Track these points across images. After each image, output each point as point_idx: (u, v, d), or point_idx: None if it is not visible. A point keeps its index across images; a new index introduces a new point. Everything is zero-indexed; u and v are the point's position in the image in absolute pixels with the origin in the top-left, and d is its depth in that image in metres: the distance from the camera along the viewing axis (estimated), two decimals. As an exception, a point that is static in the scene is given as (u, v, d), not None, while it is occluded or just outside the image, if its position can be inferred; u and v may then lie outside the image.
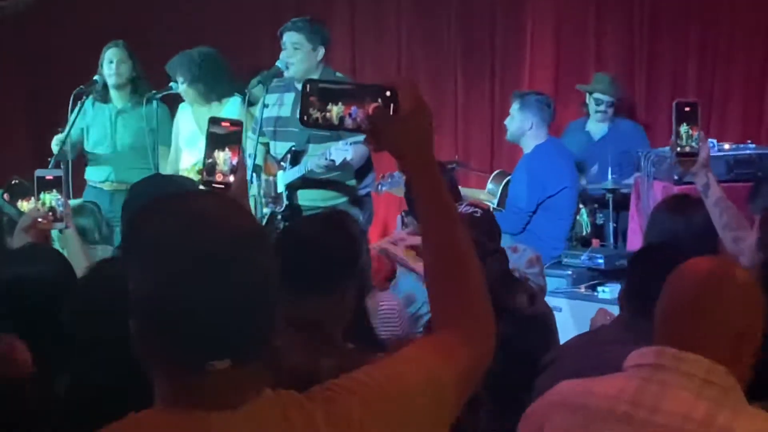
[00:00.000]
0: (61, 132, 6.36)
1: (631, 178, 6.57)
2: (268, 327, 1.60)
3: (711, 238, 3.68)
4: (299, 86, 5.83)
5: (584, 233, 6.84)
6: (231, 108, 6.35)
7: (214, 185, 2.85)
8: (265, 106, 5.85)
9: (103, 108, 6.67)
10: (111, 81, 6.56)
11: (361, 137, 5.42)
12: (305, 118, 1.82)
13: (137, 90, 6.59)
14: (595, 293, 5.83)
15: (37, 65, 8.58)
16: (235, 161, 2.82)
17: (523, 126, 6.57)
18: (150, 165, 6.40)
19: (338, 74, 6.08)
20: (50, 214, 3.65)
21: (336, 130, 1.86)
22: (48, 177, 3.69)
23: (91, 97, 6.55)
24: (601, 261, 6.03)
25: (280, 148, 5.81)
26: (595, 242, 6.86)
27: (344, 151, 5.41)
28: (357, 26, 8.45)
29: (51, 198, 3.66)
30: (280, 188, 5.80)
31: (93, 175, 6.66)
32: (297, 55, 5.76)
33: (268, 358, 1.61)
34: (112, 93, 6.64)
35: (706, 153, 3.73)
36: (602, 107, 7.19)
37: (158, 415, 1.58)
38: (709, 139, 6.14)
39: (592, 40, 7.96)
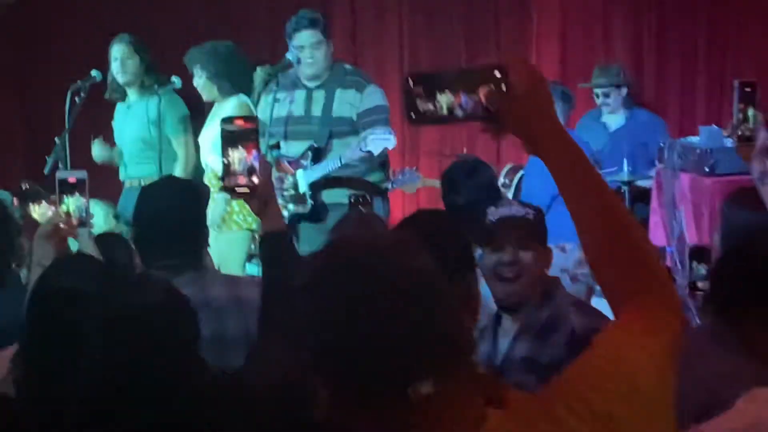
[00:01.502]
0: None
1: (651, 170, 6.37)
2: (461, 336, 1.51)
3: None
4: (309, 84, 5.61)
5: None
6: (231, 106, 6.12)
7: (237, 189, 2.69)
8: (276, 100, 5.59)
9: (121, 105, 6.55)
10: (119, 79, 6.40)
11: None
12: (412, 114, 1.65)
13: (146, 83, 6.38)
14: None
15: (31, 64, 8.33)
16: (251, 160, 2.65)
17: None
18: (156, 158, 6.19)
19: (347, 66, 5.85)
20: (73, 219, 3.41)
21: (445, 123, 1.68)
22: (70, 179, 3.42)
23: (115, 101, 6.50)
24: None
25: (293, 148, 5.55)
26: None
27: (383, 140, 5.17)
28: (358, 19, 8.22)
29: (74, 202, 3.41)
30: (303, 188, 5.53)
31: (120, 174, 6.56)
32: (319, 52, 5.54)
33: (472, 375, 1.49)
34: (127, 90, 6.49)
35: (764, 137, 3.53)
36: (600, 99, 7.01)
37: None
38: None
39: (599, 29, 7.81)
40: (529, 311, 3.25)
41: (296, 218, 5.52)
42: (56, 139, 6.07)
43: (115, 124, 6.58)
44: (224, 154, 2.69)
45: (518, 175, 6.75)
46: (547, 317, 3.23)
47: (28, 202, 3.85)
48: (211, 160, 6.13)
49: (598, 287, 5.40)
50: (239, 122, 2.73)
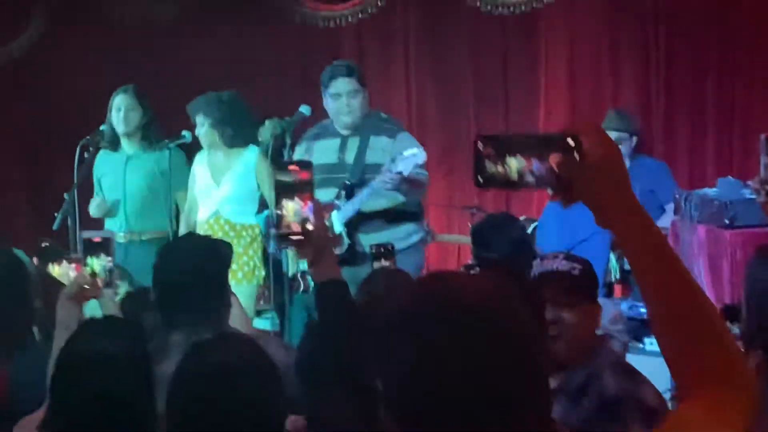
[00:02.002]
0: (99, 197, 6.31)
1: (665, 220, 6.29)
2: (547, 401, 1.51)
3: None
4: (344, 132, 5.55)
5: (612, 279, 6.56)
6: (250, 157, 6.06)
7: (290, 237, 2.61)
8: (307, 152, 5.54)
9: (114, 156, 6.38)
10: (119, 129, 6.27)
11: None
12: (480, 178, 1.59)
13: (147, 136, 6.30)
14: (641, 345, 5.53)
15: (36, 118, 8.29)
16: (306, 211, 2.57)
17: None
18: (164, 211, 6.11)
19: (383, 114, 5.80)
20: (98, 280, 3.33)
21: (514, 188, 1.62)
22: (95, 239, 3.37)
23: (101, 149, 6.31)
24: (644, 310, 5.74)
25: (326, 195, 5.41)
26: (618, 288, 6.59)
27: (411, 156, 5.08)
28: (366, 69, 8.14)
29: (99, 263, 3.34)
30: (338, 228, 5.42)
31: (108, 226, 6.31)
32: (356, 100, 5.52)
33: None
34: (122, 140, 6.35)
35: None
36: None
37: None
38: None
39: (608, 79, 7.77)
40: (569, 372, 3.09)
41: None
42: (65, 195, 5.99)
43: (106, 175, 6.40)
44: (278, 205, 2.61)
45: (531, 227, 6.68)
46: (584, 378, 3.08)
47: (48, 261, 3.76)
48: (228, 210, 6.07)
49: (632, 343, 5.34)
50: (294, 170, 2.63)
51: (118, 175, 6.33)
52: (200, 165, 6.19)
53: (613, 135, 6.68)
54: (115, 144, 6.35)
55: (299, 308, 6.62)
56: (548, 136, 1.60)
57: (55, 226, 5.84)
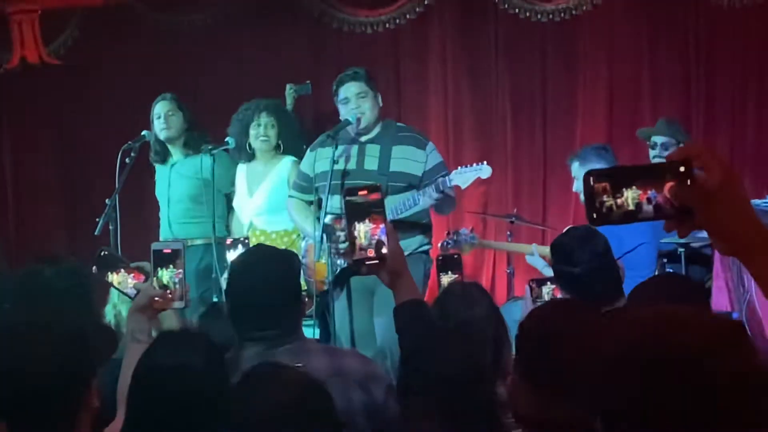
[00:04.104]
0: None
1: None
2: None
3: None
4: (360, 138, 5.49)
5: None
6: (285, 164, 6.03)
7: (366, 262, 2.59)
8: (335, 162, 5.46)
9: (164, 167, 6.43)
10: (162, 135, 6.27)
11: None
12: (594, 215, 1.57)
13: (189, 142, 6.27)
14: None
15: (71, 123, 8.28)
16: (379, 233, 2.55)
17: None
18: (208, 218, 6.00)
19: (399, 124, 5.74)
20: (168, 292, 3.27)
21: (632, 220, 1.57)
22: (165, 250, 3.29)
23: (153, 164, 6.40)
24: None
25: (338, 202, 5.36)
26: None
27: (474, 171, 5.02)
28: (402, 76, 8.09)
29: (169, 275, 3.27)
30: None
31: (161, 234, 6.38)
32: (366, 103, 5.48)
33: None
34: (170, 148, 6.33)
35: None
36: (657, 150, 6.73)
37: None
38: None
39: (647, 86, 7.69)
40: None
41: (347, 272, 5.35)
42: (107, 200, 5.94)
43: (158, 185, 6.48)
44: (350, 228, 2.60)
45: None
46: None
47: (107, 269, 3.69)
48: (261, 221, 6.04)
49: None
50: (364, 194, 2.63)
51: (164, 182, 6.36)
52: (240, 175, 6.17)
53: (660, 141, 6.65)
54: (163, 155, 6.33)
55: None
56: (660, 164, 1.56)
57: (96, 231, 5.80)
